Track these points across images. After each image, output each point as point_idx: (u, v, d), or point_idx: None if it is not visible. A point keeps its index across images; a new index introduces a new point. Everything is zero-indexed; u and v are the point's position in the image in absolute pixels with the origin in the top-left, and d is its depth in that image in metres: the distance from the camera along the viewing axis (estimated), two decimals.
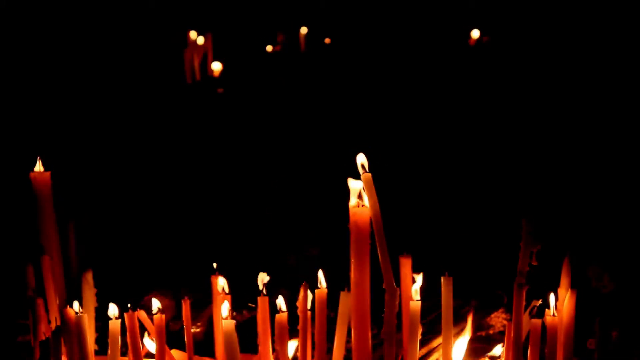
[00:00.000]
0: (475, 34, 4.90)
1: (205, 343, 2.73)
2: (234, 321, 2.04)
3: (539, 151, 3.78)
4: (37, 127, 4.24)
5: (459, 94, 4.32)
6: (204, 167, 3.89)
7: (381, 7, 5.45)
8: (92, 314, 2.47)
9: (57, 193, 2.59)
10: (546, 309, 2.17)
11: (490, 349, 2.45)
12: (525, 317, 2.25)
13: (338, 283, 2.28)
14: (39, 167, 2.51)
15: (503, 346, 2.30)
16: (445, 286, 2.18)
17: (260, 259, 3.16)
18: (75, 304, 2.18)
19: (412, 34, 5.10)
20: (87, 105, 4.47)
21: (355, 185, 2.12)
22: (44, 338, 2.21)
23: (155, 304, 2.28)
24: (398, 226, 2.73)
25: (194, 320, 2.76)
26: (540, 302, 2.22)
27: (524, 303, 2.18)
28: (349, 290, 2.23)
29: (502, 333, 2.70)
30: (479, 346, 2.62)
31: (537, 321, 2.16)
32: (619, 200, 3.38)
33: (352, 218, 2.18)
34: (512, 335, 2.19)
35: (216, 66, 4.88)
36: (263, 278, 2.27)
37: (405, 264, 2.29)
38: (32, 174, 2.53)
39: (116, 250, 3.23)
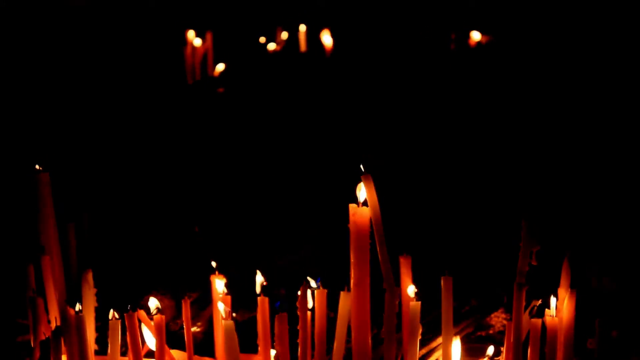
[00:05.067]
0: (474, 34, 4.90)
1: (205, 343, 2.73)
2: (234, 321, 2.04)
3: (538, 151, 3.79)
4: (37, 127, 4.24)
5: (459, 94, 4.32)
6: (204, 167, 3.89)
7: (381, 7, 5.45)
8: (92, 314, 2.47)
9: (57, 193, 2.59)
10: (546, 309, 2.17)
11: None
12: (525, 317, 2.25)
13: (338, 283, 2.28)
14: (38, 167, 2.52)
15: (497, 347, 2.30)
16: (445, 286, 2.18)
17: (260, 259, 3.16)
18: (76, 304, 2.18)
19: (412, 33, 5.10)
20: (87, 105, 4.47)
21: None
22: (44, 338, 2.21)
23: (155, 304, 2.28)
24: (398, 226, 2.73)
25: (194, 320, 2.76)
26: (540, 302, 2.22)
27: (524, 303, 2.18)
28: (349, 290, 2.23)
29: (502, 333, 2.70)
30: (479, 346, 2.62)
31: (537, 321, 2.16)
32: (618, 200, 3.38)
33: (352, 218, 2.18)
34: (512, 335, 2.19)
35: (219, 66, 4.88)
36: (261, 281, 2.28)
37: (405, 264, 2.29)
38: (32, 174, 2.54)
39: (116, 251, 3.23)
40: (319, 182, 3.67)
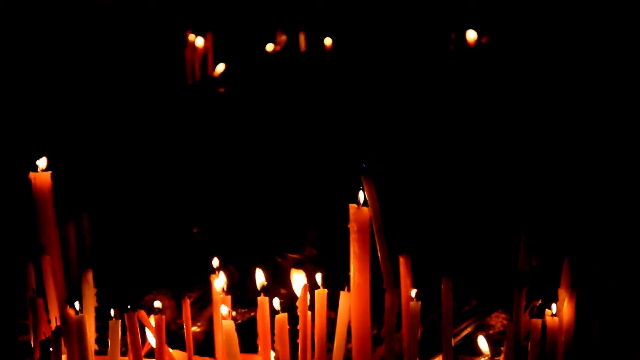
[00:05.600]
0: (474, 34, 4.90)
1: (205, 343, 2.73)
2: (234, 321, 2.04)
3: (539, 152, 3.78)
4: (37, 127, 4.24)
5: (459, 94, 4.32)
6: (204, 167, 3.89)
7: (381, 7, 5.45)
8: (92, 314, 2.47)
9: (57, 193, 2.59)
10: (546, 309, 2.17)
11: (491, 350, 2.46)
12: (525, 317, 2.25)
13: (338, 283, 2.28)
14: (39, 166, 2.52)
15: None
16: (445, 286, 2.19)
17: (260, 259, 3.16)
18: (76, 304, 2.18)
19: (411, 33, 5.10)
20: (87, 105, 4.47)
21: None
22: (44, 338, 2.21)
23: (156, 304, 2.29)
24: (398, 226, 2.72)
25: (194, 320, 2.76)
26: (540, 302, 2.22)
27: (524, 303, 2.18)
28: (349, 290, 2.23)
29: (502, 333, 2.70)
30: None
31: (537, 321, 2.16)
32: (619, 200, 3.38)
33: (352, 218, 2.18)
34: (512, 335, 2.19)
35: (219, 67, 4.88)
36: (261, 280, 2.28)
37: (405, 264, 2.29)
38: (32, 174, 2.54)
39: (116, 250, 3.23)
40: (319, 182, 3.66)
